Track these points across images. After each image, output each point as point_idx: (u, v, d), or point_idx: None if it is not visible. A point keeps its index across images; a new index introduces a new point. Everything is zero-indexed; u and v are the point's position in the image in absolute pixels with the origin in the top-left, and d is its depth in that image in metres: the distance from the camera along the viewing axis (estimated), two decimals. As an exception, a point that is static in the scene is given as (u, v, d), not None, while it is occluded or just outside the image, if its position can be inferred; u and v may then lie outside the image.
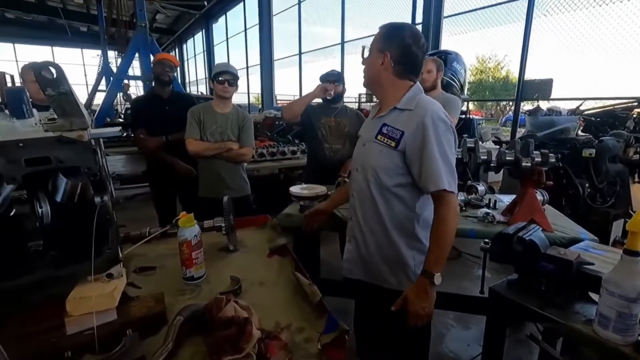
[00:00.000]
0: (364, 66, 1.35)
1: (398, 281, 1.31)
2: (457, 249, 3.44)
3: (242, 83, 2.47)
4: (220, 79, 2.28)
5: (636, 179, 3.13)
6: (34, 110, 0.82)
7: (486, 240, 1.39)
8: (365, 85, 1.39)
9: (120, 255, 0.89)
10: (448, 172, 1.17)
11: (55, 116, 0.77)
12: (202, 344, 0.82)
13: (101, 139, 0.89)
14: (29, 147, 0.72)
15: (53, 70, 0.68)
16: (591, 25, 4.30)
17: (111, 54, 10.50)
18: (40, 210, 0.82)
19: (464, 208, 2.01)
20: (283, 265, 1.25)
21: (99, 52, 10.86)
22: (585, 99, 4.66)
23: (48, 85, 0.69)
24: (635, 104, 4.00)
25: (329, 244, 3.03)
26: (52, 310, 0.80)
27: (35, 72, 0.67)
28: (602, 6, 4.14)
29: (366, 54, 1.34)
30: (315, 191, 1.97)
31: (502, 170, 1.99)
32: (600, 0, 4.16)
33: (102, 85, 9.19)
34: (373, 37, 1.31)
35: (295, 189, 1.99)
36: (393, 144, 1.22)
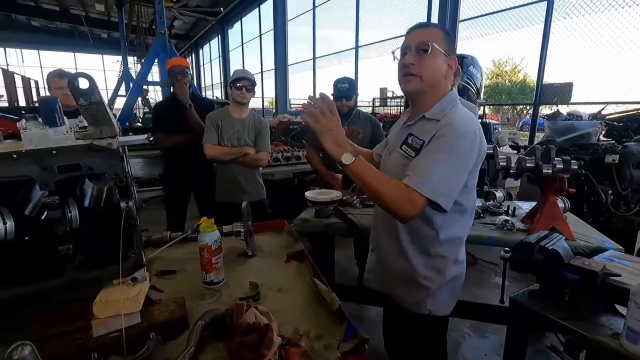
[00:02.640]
0: (406, 68, 1.11)
1: (415, 302, 1.22)
2: (473, 256, 3.38)
3: (257, 88, 2.50)
4: (238, 84, 2.31)
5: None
6: (65, 119, 0.85)
7: (506, 248, 1.37)
8: (410, 88, 1.13)
9: (144, 260, 0.91)
10: (438, 180, 1.00)
11: (86, 124, 0.79)
12: (223, 349, 0.83)
13: (126, 146, 0.92)
14: (61, 154, 0.75)
15: (86, 81, 0.71)
16: (613, 28, 4.20)
17: (131, 59, 10.77)
18: (69, 215, 0.85)
19: (481, 215, 1.98)
20: (300, 271, 1.25)
21: (119, 58, 11.16)
22: (607, 103, 4.54)
23: (81, 95, 0.72)
24: (661, 108, 3.88)
25: (344, 249, 3.03)
26: (78, 312, 0.83)
27: (70, 82, 0.70)
28: (625, 8, 4.04)
29: (400, 56, 1.14)
30: (331, 196, 1.98)
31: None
32: (623, 3, 4.06)
33: (122, 90, 9.44)
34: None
35: (310, 194, 2.00)
36: (413, 155, 1.12)
